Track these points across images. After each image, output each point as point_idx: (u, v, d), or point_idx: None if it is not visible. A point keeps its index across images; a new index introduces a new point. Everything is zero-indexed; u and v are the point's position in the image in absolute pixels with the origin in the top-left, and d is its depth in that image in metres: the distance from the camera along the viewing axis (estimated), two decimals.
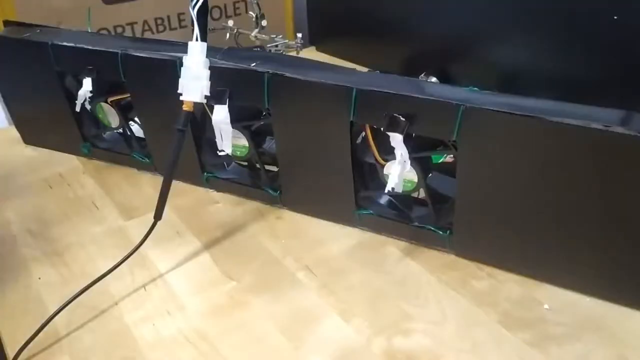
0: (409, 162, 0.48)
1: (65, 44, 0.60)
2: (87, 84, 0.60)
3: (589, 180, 0.42)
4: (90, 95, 0.61)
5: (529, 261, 0.48)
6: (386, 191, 0.49)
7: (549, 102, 0.42)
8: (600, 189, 0.42)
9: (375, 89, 0.47)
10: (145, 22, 0.87)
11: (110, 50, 0.58)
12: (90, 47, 0.59)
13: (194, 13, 0.44)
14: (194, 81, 0.44)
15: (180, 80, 0.44)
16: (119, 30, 0.85)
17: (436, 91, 0.46)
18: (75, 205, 0.61)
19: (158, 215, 0.49)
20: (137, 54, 0.56)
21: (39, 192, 0.64)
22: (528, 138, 0.42)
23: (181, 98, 0.44)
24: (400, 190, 0.49)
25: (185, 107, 0.43)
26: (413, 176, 0.50)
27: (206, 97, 0.44)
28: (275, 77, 0.50)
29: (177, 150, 0.43)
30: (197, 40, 0.44)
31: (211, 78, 0.46)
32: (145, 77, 0.58)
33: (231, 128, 0.54)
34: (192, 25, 0.45)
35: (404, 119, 0.45)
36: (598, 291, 0.46)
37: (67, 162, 0.69)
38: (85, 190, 0.64)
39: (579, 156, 0.41)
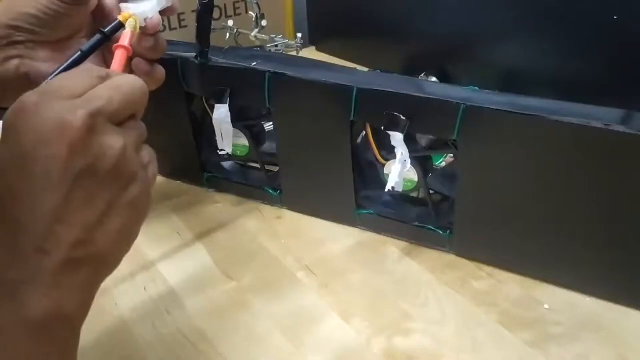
0: (409, 161, 0.48)
1: None
2: None
3: (589, 179, 0.42)
4: None
5: (529, 261, 0.48)
6: (386, 190, 0.49)
7: (549, 102, 0.42)
8: (600, 188, 0.42)
9: (376, 88, 0.47)
10: None
11: None
12: None
13: None
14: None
15: None
16: None
17: (437, 90, 0.46)
18: None
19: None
20: None
21: None
22: (528, 137, 0.42)
23: (120, 5, 0.40)
24: (400, 190, 0.49)
25: (120, 17, 0.38)
26: (413, 176, 0.50)
27: (146, 21, 0.40)
28: (276, 76, 0.50)
29: (86, 50, 0.38)
30: None
31: (212, 77, 0.45)
32: None
33: (232, 127, 0.54)
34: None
35: (404, 118, 0.45)
36: (598, 291, 0.46)
37: None
38: None
39: (579, 155, 0.41)
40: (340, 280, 0.50)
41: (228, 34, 0.84)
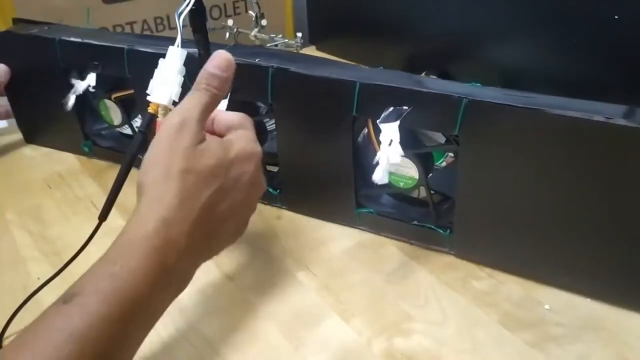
0: (399, 150, 0.45)
1: (72, 39, 0.60)
2: (90, 79, 0.61)
3: (591, 174, 0.42)
4: (92, 90, 0.62)
5: (529, 261, 0.48)
6: (372, 179, 0.46)
7: (551, 97, 0.42)
8: (601, 185, 0.42)
9: (379, 83, 0.46)
10: (144, 21, 0.86)
11: (116, 45, 0.58)
12: (95, 42, 0.59)
13: (179, 21, 0.44)
14: (164, 85, 0.43)
15: (151, 81, 0.43)
16: (118, 29, 0.85)
17: (439, 85, 0.46)
18: (74, 205, 0.61)
19: (103, 216, 0.45)
20: (143, 49, 0.56)
21: (38, 192, 0.64)
22: (530, 131, 0.42)
23: (148, 98, 0.43)
24: (386, 181, 0.47)
25: (150, 109, 0.42)
26: (414, 173, 0.50)
27: (174, 103, 0.43)
28: (279, 71, 0.50)
29: (134, 152, 0.41)
30: (177, 46, 0.44)
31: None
32: (150, 73, 0.58)
33: None
34: (192, 31, 0.45)
35: (404, 108, 0.45)
36: (598, 292, 0.46)
37: (67, 162, 0.69)
38: (85, 190, 0.64)
39: (581, 149, 0.41)
40: (340, 281, 0.50)
41: (228, 34, 0.84)
